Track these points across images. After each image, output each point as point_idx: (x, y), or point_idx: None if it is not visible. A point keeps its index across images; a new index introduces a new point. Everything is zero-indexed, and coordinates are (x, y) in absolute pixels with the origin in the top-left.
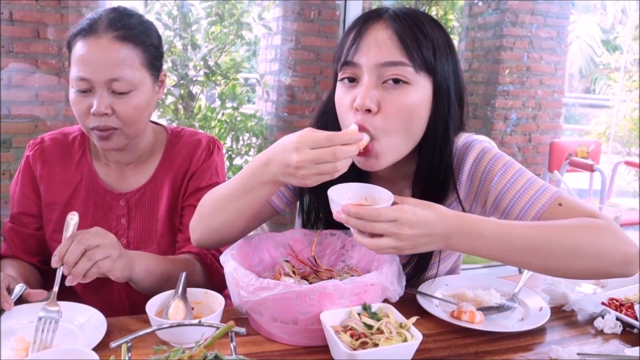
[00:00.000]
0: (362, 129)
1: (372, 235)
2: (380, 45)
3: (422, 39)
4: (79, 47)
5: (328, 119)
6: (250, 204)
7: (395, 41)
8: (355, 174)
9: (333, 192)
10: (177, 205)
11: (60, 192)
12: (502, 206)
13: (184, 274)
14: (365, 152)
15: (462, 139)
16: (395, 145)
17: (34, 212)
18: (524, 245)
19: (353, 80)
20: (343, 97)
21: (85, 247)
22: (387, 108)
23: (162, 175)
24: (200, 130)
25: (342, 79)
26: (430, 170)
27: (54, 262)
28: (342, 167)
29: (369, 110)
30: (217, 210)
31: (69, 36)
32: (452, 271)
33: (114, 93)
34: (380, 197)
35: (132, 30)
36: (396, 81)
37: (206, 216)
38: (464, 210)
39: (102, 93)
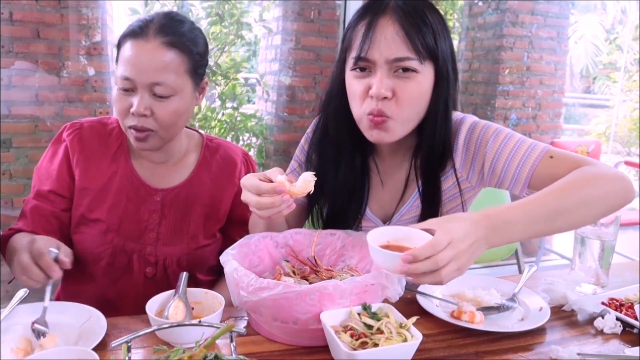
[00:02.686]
0: (379, 113)
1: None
2: (389, 43)
3: (424, 29)
4: (128, 48)
5: (332, 107)
6: (269, 225)
7: (403, 37)
8: (359, 149)
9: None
10: (217, 212)
11: (95, 180)
12: (499, 168)
13: (184, 274)
14: (379, 127)
15: (454, 116)
16: (406, 123)
17: (65, 194)
18: (547, 214)
19: (364, 69)
20: (356, 85)
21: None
22: (401, 95)
23: (199, 178)
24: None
25: (355, 73)
26: (431, 143)
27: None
28: (263, 215)
29: (384, 97)
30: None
31: (120, 36)
32: None
33: (154, 96)
34: (407, 236)
35: (181, 37)
36: (405, 69)
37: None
38: (457, 178)
39: (144, 95)
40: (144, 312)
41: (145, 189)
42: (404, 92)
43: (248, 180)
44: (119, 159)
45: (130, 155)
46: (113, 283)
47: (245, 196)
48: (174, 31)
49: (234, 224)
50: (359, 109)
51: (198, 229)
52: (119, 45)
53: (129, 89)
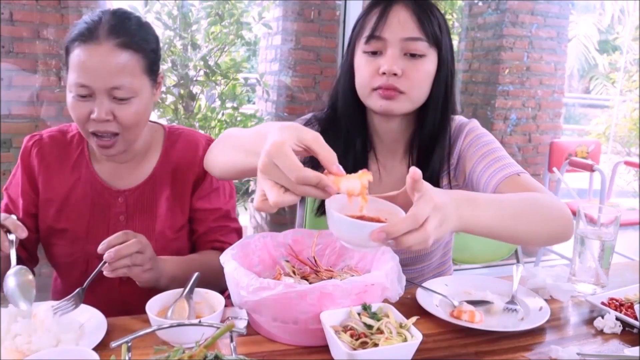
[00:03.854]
0: (391, 87)
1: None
2: (402, 24)
3: (432, 18)
4: (79, 53)
5: (341, 97)
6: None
7: (415, 21)
8: (361, 143)
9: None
10: (182, 203)
11: (57, 189)
12: (474, 177)
13: (195, 275)
14: (390, 98)
15: (458, 119)
16: (415, 100)
17: (32, 211)
18: (511, 210)
19: (375, 52)
20: (366, 65)
21: (138, 249)
22: (409, 74)
23: (161, 173)
24: (198, 130)
25: (366, 52)
26: (429, 137)
27: (101, 249)
28: (276, 201)
29: (394, 74)
30: (230, 156)
31: (67, 40)
32: (442, 266)
33: (114, 99)
34: (376, 207)
35: (133, 36)
36: (413, 55)
37: (219, 155)
38: (450, 178)
39: (103, 100)
40: (143, 312)
41: (108, 193)
42: (413, 72)
43: (282, 151)
44: (80, 165)
45: (90, 160)
46: (91, 290)
47: (269, 168)
48: (125, 31)
49: (196, 212)
50: (367, 85)
51: (165, 224)
52: (67, 51)
53: (86, 95)
